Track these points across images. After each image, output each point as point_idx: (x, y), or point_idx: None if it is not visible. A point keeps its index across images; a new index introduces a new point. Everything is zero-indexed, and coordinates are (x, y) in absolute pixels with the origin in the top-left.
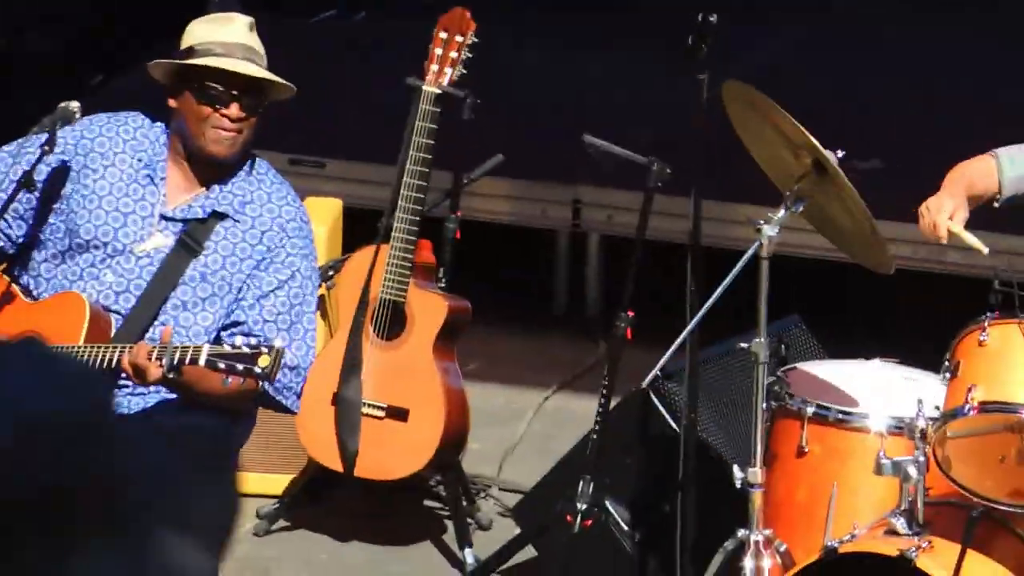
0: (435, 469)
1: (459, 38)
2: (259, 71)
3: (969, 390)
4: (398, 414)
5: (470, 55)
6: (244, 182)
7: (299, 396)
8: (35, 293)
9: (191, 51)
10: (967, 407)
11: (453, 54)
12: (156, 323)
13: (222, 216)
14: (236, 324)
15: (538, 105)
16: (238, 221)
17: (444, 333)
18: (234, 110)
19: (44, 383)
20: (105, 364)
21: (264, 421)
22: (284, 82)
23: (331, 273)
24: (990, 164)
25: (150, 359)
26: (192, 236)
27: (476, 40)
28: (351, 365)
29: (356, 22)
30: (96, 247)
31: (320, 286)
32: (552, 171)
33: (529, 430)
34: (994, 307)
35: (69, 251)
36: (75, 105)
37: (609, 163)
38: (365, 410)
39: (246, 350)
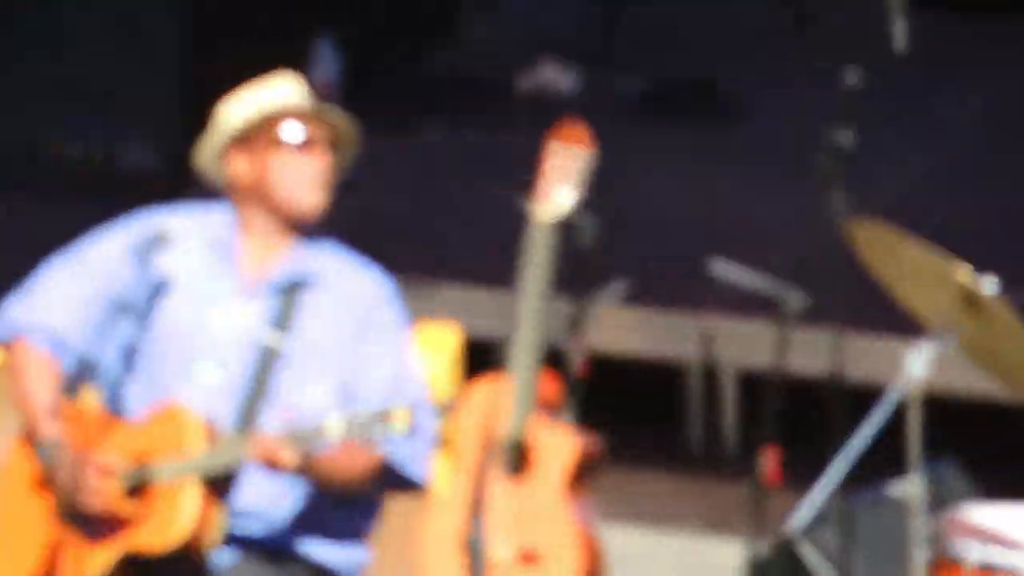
0: None
1: (575, 155)
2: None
3: None
4: (529, 558)
5: (588, 173)
6: (315, 251)
7: (423, 466)
8: (126, 409)
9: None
10: None
11: (568, 172)
12: (268, 408)
13: (304, 285)
14: (351, 398)
15: (665, 226)
16: (321, 289)
17: (574, 471)
18: (318, 151)
19: None
20: (234, 464)
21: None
22: (349, 126)
23: (452, 407)
24: None
25: (280, 446)
26: (281, 311)
27: (594, 156)
28: (477, 505)
29: (468, 140)
30: (182, 344)
31: (442, 420)
32: (680, 299)
33: None
34: None
35: (159, 355)
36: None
37: (741, 292)
38: (493, 552)
39: (376, 412)
